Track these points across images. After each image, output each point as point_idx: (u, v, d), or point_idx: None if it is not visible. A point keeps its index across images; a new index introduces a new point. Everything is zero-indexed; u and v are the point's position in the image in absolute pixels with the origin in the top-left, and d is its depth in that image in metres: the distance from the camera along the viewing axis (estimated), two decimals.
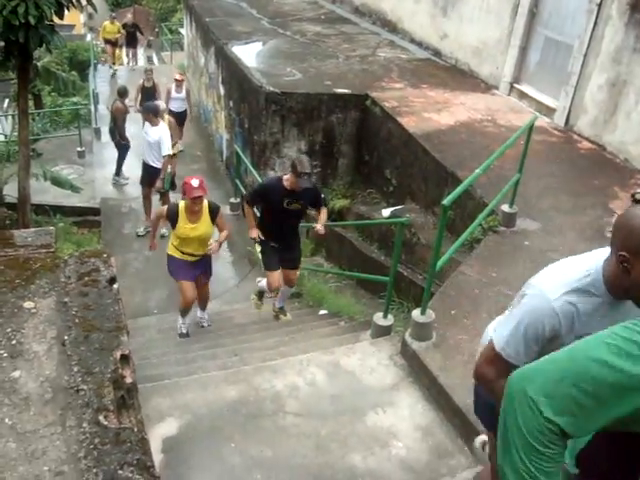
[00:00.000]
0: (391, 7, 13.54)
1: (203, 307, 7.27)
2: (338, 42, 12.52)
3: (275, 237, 6.28)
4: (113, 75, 19.94)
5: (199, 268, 6.54)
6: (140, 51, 22.10)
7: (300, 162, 5.78)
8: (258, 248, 6.67)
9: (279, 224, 6.18)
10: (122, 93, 11.57)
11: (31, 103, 16.46)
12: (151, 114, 9.04)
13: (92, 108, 15.75)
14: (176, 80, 12.48)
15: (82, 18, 45.65)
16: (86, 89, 18.90)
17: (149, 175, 9.44)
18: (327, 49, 11.91)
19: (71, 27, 42.51)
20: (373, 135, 9.18)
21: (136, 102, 12.23)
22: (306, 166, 5.75)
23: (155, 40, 33.44)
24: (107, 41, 20.31)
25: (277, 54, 11.38)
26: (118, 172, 12.13)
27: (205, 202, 6.17)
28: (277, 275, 6.42)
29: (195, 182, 5.80)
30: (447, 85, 10.07)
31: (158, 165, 9.23)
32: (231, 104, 11.51)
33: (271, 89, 9.13)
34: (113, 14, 22.39)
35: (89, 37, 31.49)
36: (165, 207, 6.35)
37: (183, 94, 12.55)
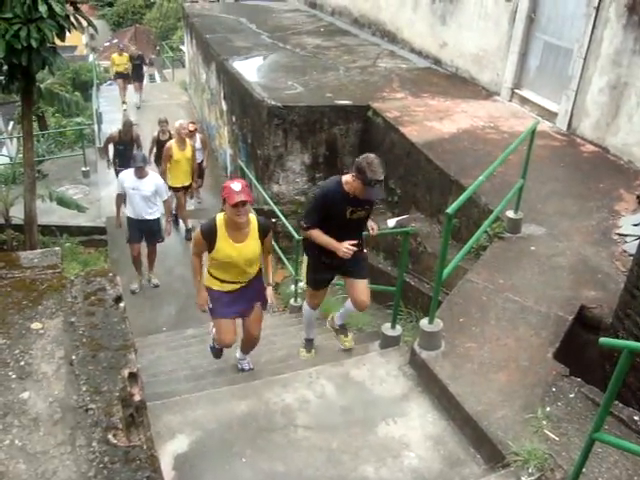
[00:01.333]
0: (390, 17, 13.60)
1: (247, 349, 5.63)
2: (338, 54, 12.58)
3: (332, 253, 4.83)
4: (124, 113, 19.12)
5: (245, 299, 5.09)
6: (145, 83, 20.28)
7: (370, 164, 4.34)
8: (305, 262, 5.48)
9: (343, 235, 4.80)
10: (123, 126, 10.98)
11: (35, 125, 16.58)
12: (142, 167, 8.00)
13: (95, 128, 15.84)
14: (189, 131, 10.46)
15: (84, 39, 46.00)
16: (89, 109, 19.01)
17: (146, 231, 8.48)
18: (327, 61, 11.97)
19: (73, 48, 42.92)
20: (376, 146, 9.19)
21: (151, 154, 10.78)
22: (378, 171, 4.35)
23: (156, 58, 33.66)
24: (118, 75, 18.39)
25: (278, 68, 11.44)
26: None
27: (252, 217, 4.86)
28: (322, 294, 5.36)
29: (236, 185, 4.53)
30: (448, 93, 10.09)
31: (157, 215, 8.42)
32: (234, 119, 11.57)
33: (273, 103, 9.17)
34: (120, 45, 20.10)
35: (91, 57, 31.71)
36: (198, 230, 4.77)
37: (198, 145, 10.77)
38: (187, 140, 9.61)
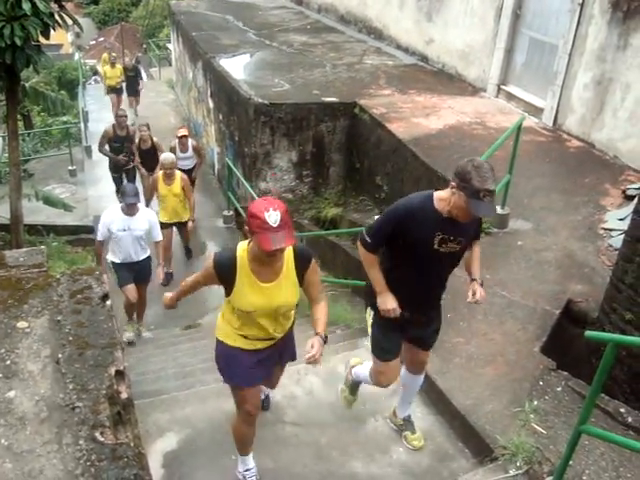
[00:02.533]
0: (376, 14, 13.61)
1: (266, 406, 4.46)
2: (325, 51, 12.57)
3: (408, 300, 3.59)
4: None
5: (273, 358, 3.73)
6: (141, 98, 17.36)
7: (477, 168, 3.18)
8: (370, 316, 3.85)
9: (420, 277, 3.53)
10: (116, 119, 10.57)
11: (21, 124, 16.50)
12: (134, 204, 6.68)
13: (82, 126, 15.77)
14: (179, 138, 9.86)
15: (69, 37, 45.69)
16: (75, 108, 18.92)
17: (136, 271, 7.08)
18: (314, 59, 11.95)
19: (59, 47, 42.64)
20: (363, 142, 9.20)
21: (139, 169, 10.21)
22: (489, 177, 3.18)
23: (143, 56, 33.52)
24: (111, 89, 16.40)
25: (264, 65, 11.42)
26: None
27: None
28: (395, 366, 3.86)
29: (274, 215, 3.00)
30: (435, 90, 10.11)
31: (148, 252, 7.12)
32: (221, 117, 11.54)
33: (260, 100, 9.16)
34: (113, 55, 17.30)
35: (77, 56, 31.54)
36: (211, 259, 3.40)
37: (190, 152, 10.03)
38: (177, 174, 8.36)
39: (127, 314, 7.49)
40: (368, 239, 3.48)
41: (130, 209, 6.67)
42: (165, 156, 8.45)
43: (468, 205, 3.17)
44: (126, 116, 10.53)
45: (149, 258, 7.15)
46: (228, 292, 3.36)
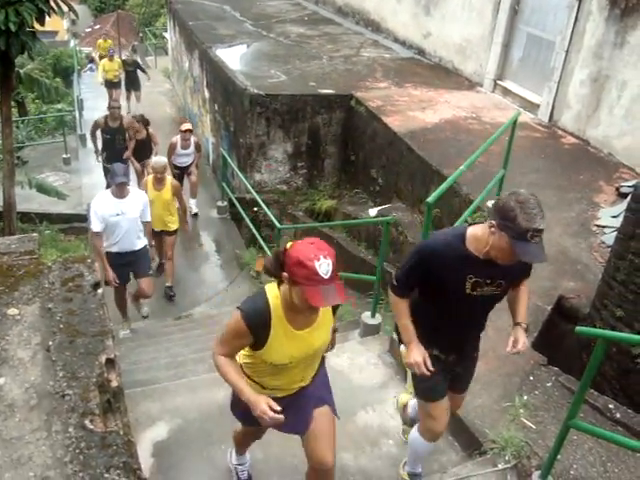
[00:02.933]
0: (374, 6, 13.57)
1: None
2: (322, 43, 12.54)
3: (444, 342, 3.27)
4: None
5: (303, 405, 3.16)
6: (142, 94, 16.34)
7: (523, 204, 2.68)
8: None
9: (454, 322, 3.17)
10: (109, 110, 9.80)
11: (15, 111, 16.39)
12: (124, 184, 6.24)
13: (77, 114, 15.67)
14: (182, 132, 9.53)
15: (65, 24, 45.47)
16: (70, 95, 18.82)
17: (134, 264, 6.70)
18: (311, 50, 11.92)
19: (54, 34, 42.38)
20: (358, 135, 9.19)
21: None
22: (537, 214, 2.67)
23: (139, 45, 33.36)
24: (108, 83, 15.66)
25: (261, 56, 11.38)
26: None
27: None
28: (446, 407, 3.38)
29: (325, 264, 2.55)
30: (431, 83, 10.10)
31: (145, 241, 6.72)
32: (216, 107, 11.51)
33: (256, 91, 9.13)
34: (111, 50, 16.38)
35: (72, 43, 31.32)
36: (239, 317, 2.75)
37: (191, 149, 9.75)
38: (167, 179, 7.75)
39: (121, 313, 7.13)
40: (396, 284, 3.15)
41: (120, 190, 6.21)
42: (157, 160, 7.78)
43: (512, 247, 2.70)
44: (119, 107, 9.87)
45: (146, 247, 6.72)
46: (258, 347, 2.83)
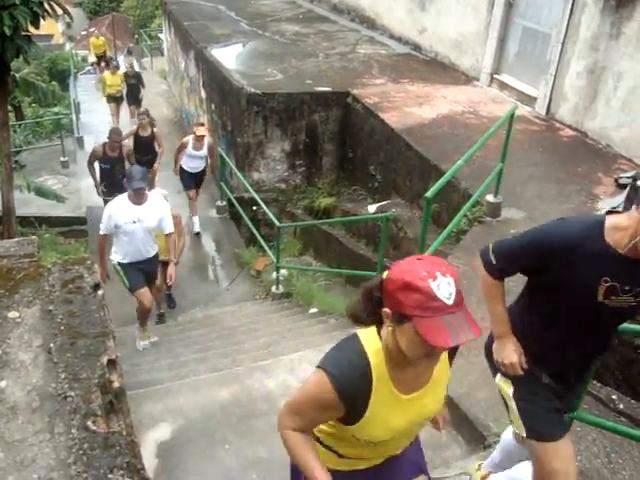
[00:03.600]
0: (369, 3, 13.56)
1: None
2: (317, 41, 12.53)
3: (561, 365, 2.59)
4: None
5: (394, 473, 2.37)
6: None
7: None
8: (505, 384, 2.72)
9: (574, 338, 2.50)
10: (110, 136, 8.85)
11: (12, 115, 16.36)
12: (142, 189, 5.78)
13: (74, 117, 15.69)
14: (196, 136, 9.17)
15: (60, 27, 45.39)
16: (67, 99, 18.82)
17: (147, 271, 6.30)
18: (306, 48, 11.91)
19: (49, 37, 42.32)
20: (356, 132, 9.19)
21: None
22: None
23: (135, 47, 33.34)
24: (110, 98, 15.14)
25: (257, 55, 11.37)
26: None
27: None
28: (567, 449, 2.55)
29: (445, 284, 1.77)
30: (428, 79, 10.09)
31: (157, 249, 6.36)
32: (213, 107, 11.50)
33: (252, 90, 9.13)
34: (114, 62, 16.20)
35: (68, 46, 31.32)
36: (326, 382, 1.91)
37: (204, 151, 9.35)
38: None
39: (141, 321, 6.55)
40: (492, 259, 2.53)
41: (138, 196, 5.76)
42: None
43: None
44: (119, 140, 8.80)
45: (157, 254, 6.34)
46: (350, 421, 2.03)
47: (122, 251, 5.98)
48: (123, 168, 8.57)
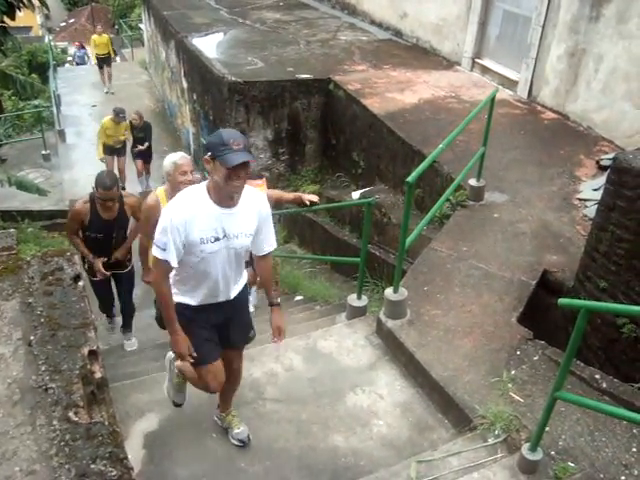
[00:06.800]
0: None
1: None
2: (298, 28, 12.47)
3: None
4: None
5: None
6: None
7: None
8: None
9: None
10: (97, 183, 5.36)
11: None
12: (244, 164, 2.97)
13: (54, 110, 15.51)
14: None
15: (39, 19, 44.79)
16: (47, 91, 18.62)
17: (231, 322, 3.49)
18: (287, 36, 11.85)
19: (28, 29, 41.81)
20: (338, 118, 9.16)
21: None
22: None
23: (115, 38, 33.03)
24: (108, 149, 10.96)
25: (238, 44, 11.29)
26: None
27: None
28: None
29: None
30: (409, 64, 10.07)
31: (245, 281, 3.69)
32: (195, 97, 11.42)
33: (233, 79, 9.07)
34: (120, 114, 10.63)
35: (47, 38, 30.94)
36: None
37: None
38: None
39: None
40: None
41: (233, 188, 3.05)
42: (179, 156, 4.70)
43: None
44: (113, 199, 5.40)
45: (246, 289, 3.68)
46: None
47: (186, 287, 3.37)
48: (125, 232, 5.79)
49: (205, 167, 3.08)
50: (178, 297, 3.34)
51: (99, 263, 5.51)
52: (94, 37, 16.58)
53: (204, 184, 3.18)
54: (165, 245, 3.05)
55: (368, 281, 6.07)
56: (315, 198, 5.08)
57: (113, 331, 6.62)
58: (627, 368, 4.09)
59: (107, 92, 17.10)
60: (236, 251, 3.32)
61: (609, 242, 4.10)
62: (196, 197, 3.13)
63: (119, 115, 10.56)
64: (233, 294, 3.48)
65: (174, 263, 3.11)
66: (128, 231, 5.78)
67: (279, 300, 3.74)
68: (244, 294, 3.66)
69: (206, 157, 3.03)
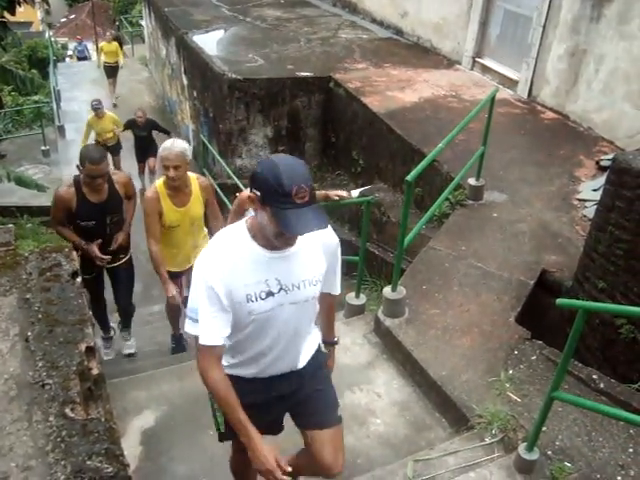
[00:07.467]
0: None
1: None
2: (299, 26, 12.46)
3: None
4: None
5: None
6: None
7: None
8: None
9: None
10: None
11: None
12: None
13: (54, 106, 15.50)
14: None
15: (39, 15, 44.75)
16: (47, 87, 18.60)
17: (298, 397, 2.77)
18: (288, 33, 11.84)
19: (28, 24, 41.81)
20: (338, 117, 9.16)
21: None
22: None
23: (116, 34, 32.99)
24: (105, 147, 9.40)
25: (238, 41, 11.28)
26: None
27: None
28: None
29: None
30: (410, 63, 10.07)
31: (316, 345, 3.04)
32: (195, 94, 11.41)
33: (234, 76, 9.06)
34: (96, 106, 10.24)
35: (47, 34, 30.92)
36: None
37: None
38: (193, 180, 4.73)
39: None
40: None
41: (286, 239, 2.35)
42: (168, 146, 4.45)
43: None
44: (103, 175, 4.96)
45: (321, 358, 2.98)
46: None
47: (237, 358, 2.61)
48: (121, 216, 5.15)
49: (248, 204, 2.44)
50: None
51: (94, 247, 4.84)
52: (103, 44, 15.88)
53: (243, 222, 2.39)
54: (205, 319, 2.26)
55: (367, 279, 6.07)
56: (344, 193, 4.53)
57: (109, 351, 5.98)
58: (625, 369, 4.10)
59: (115, 105, 15.17)
60: (301, 306, 2.44)
61: (608, 243, 4.10)
62: (234, 240, 2.32)
63: (96, 108, 10.04)
64: (302, 363, 2.70)
65: (220, 340, 2.28)
66: (124, 214, 5.13)
67: (337, 339, 3.19)
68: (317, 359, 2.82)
69: (252, 194, 2.22)
